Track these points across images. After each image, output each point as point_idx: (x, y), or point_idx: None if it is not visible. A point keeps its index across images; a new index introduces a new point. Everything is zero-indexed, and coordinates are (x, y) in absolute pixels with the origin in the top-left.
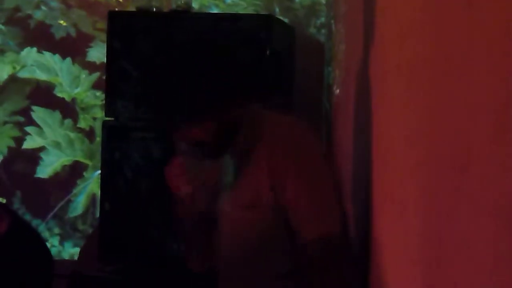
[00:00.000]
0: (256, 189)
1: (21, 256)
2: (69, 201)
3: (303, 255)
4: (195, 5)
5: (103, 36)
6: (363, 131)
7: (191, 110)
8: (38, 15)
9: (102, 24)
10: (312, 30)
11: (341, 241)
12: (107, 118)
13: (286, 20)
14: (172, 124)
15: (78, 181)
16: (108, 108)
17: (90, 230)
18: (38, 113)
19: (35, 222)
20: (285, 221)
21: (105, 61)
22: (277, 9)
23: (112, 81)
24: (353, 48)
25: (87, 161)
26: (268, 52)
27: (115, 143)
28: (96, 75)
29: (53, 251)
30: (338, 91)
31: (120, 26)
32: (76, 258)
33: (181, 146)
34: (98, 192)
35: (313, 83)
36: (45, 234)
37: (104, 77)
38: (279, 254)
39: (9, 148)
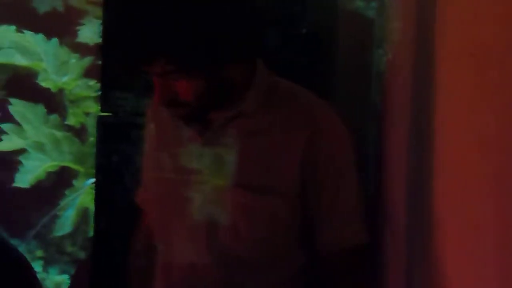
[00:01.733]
0: (274, 172)
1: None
2: (55, 216)
3: (321, 265)
4: None
5: (98, 12)
6: (421, 131)
7: (173, 54)
8: None
9: None
10: (359, 3)
11: (364, 256)
12: (102, 114)
13: None
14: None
15: (67, 192)
16: (104, 101)
17: (80, 253)
18: (17, 107)
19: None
20: (303, 215)
21: (100, 42)
22: None
23: (109, 67)
24: (411, 26)
25: (77, 167)
26: (303, 31)
27: (112, 144)
28: (88, 59)
29: None
30: (391, 79)
31: None
32: None
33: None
34: (91, 206)
35: (359, 70)
36: None
37: (99, 63)
38: (294, 249)
39: None
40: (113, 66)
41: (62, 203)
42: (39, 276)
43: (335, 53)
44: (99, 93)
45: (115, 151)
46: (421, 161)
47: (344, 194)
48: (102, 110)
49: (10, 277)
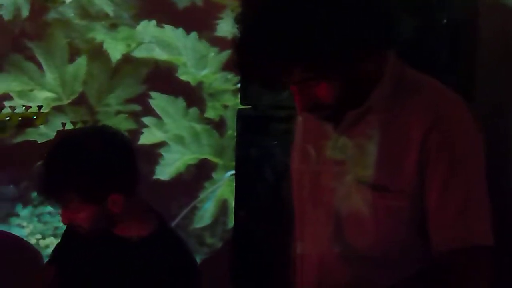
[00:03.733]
0: (393, 169)
1: (161, 263)
2: (195, 208)
3: (436, 265)
4: None
5: (236, 5)
6: None
7: (311, 60)
8: None
9: None
10: None
11: (487, 258)
12: (242, 106)
13: None
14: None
15: (206, 184)
16: (244, 93)
17: (220, 245)
18: (157, 100)
19: None
20: (422, 215)
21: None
22: None
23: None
24: None
25: (216, 160)
26: (444, 21)
27: (252, 137)
28: (227, 53)
29: None
30: None
31: None
32: None
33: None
34: (231, 198)
35: (503, 61)
36: None
37: None
38: (416, 248)
39: None
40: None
41: (202, 195)
42: None
43: (476, 44)
44: (238, 86)
45: (254, 143)
46: None
47: (461, 189)
48: (241, 103)
49: (170, 257)
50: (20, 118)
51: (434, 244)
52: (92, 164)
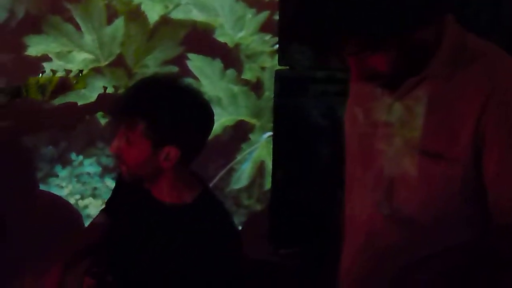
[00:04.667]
0: (449, 138)
1: (203, 229)
2: (232, 169)
3: (491, 240)
4: None
5: None
6: None
7: (367, 32)
8: None
9: None
10: None
11: None
12: (280, 67)
13: None
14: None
15: (243, 145)
16: (282, 54)
17: (256, 206)
18: (195, 61)
19: None
20: (474, 184)
21: None
22: None
23: (287, 21)
24: None
25: (253, 121)
26: None
27: (290, 99)
28: (265, 14)
29: None
30: None
31: None
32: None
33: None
34: (268, 159)
35: None
36: None
37: (275, 17)
38: (460, 220)
39: None
40: (291, 21)
41: (239, 156)
42: None
43: None
44: (277, 47)
45: (292, 104)
46: None
47: None
48: (279, 64)
49: (212, 224)
50: (60, 83)
51: (493, 216)
52: (174, 105)
